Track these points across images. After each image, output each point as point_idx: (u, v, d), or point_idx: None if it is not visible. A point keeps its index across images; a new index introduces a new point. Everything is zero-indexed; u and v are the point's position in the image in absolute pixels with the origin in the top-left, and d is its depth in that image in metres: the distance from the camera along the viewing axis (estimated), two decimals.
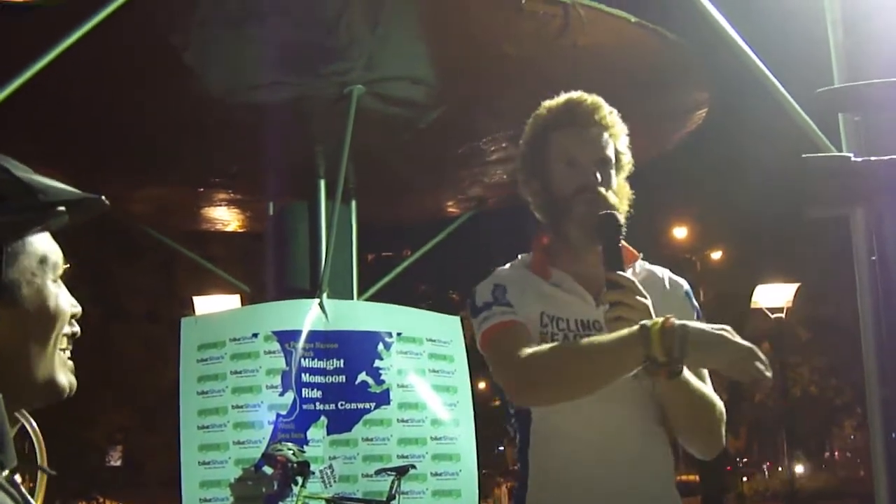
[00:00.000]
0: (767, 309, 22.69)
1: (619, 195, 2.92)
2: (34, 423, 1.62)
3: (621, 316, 2.65)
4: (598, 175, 2.88)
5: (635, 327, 2.56)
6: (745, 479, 35.88)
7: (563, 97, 3.00)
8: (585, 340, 2.71)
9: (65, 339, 1.56)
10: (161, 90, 8.51)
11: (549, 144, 2.95)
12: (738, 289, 25.65)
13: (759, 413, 33.84)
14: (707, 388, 2.88)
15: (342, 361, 8.97)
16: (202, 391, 8.88)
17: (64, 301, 1.55)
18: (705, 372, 2.94)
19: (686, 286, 3.07)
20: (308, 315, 9.05)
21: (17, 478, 1.44)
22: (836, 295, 22.75)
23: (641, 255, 3.01)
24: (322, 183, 10.55)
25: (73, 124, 9.07)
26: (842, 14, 5.25)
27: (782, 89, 6.46)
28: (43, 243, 1.53)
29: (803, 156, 2.52)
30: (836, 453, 39.54)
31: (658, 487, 2.89)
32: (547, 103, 3.02)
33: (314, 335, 8.97)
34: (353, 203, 11.11)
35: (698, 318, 2.99)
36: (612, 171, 2.92)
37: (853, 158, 2.40)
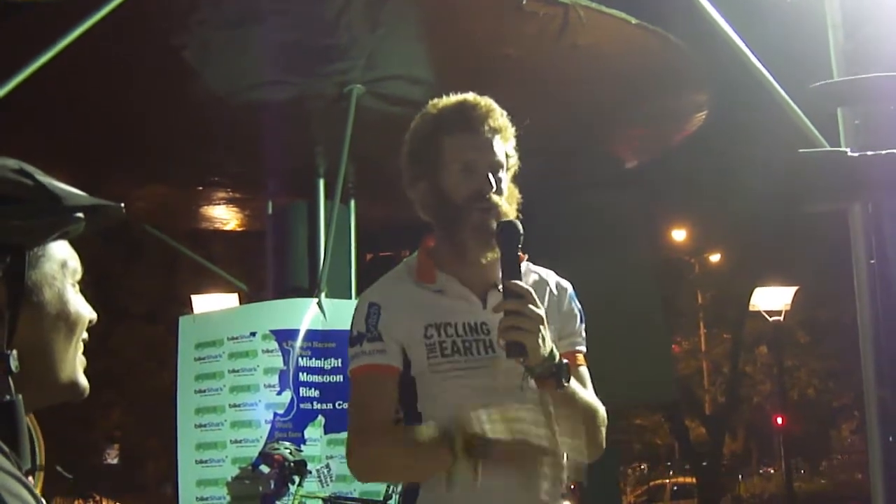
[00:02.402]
0: (766, 312, 22.65)
1: (509, 199, 2.89)
2: (34, 422, 1.63)
3: (516, 325, 2.64)
4: (493, 181, 2.85)
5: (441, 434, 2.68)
6: (741, 481, 35.87)
7: (454, 98, 2.95)
8: (411, 435, 2.79)
9: (82, 344, 1.59)
10: (161, 89, 8.52)
11: (442, 147, 2.89)
12: (737, 291, 25.63)
13: (756, 416, 33.85)
14: (589, 393, 2.90)
15: (340, 361, 8.97)
16: (200, 390, 8.89)
17: (83, 306, 1.58)
18: (587, 376, 2.95)
19: (570, 289, 3.03)
20: (306, 314, 9.05)
21: (31, 479, 1.46)
22: (835, 298, 22.76)
23: (527, 256, 2.95)
24: (321, 182, 10.56)
25: (73, 123, 9.07)
26: (842, 18, 5.26)
27: (781, 90, 6.46)
28: (63, 249, 1.56)
29: (800, 150, 2.53)
30: (834, 456, 39.52)
31: (549, 493, 2.87)
32: (438, 102, 2.97)
33: (312, 334, 8.98)
34: (352, 203, 11.11)
35: (581, 322, 3.01)
36: (504, 176, 2.90)
37: (850, 153, 2.41)
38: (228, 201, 12.04)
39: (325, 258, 9.63)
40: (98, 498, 31.39)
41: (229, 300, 16.58)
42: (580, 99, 9.13)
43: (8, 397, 1.43)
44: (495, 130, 2.90)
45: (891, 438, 5.12)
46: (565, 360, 2.73)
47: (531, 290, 2.71)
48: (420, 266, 2.98)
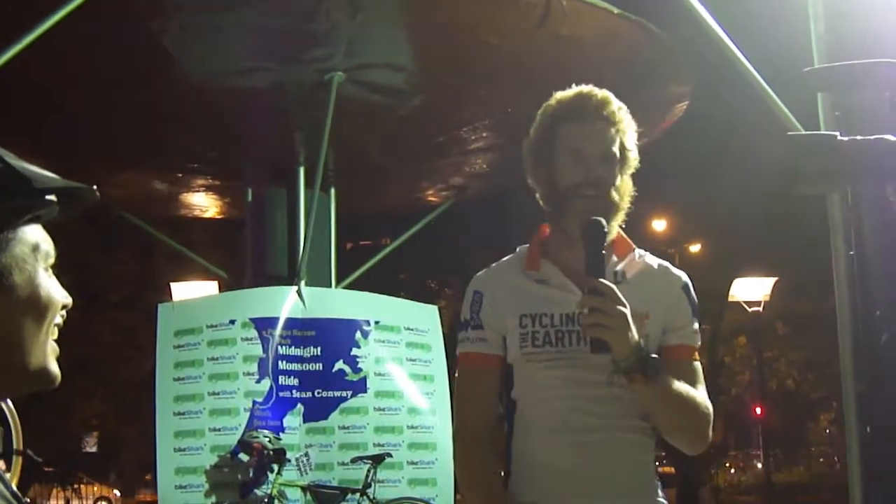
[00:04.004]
0: (745, 303, 22.78)
1: (621, 192, 2.97)
2: (12, 407, 1.60)
3: (598, 322, 2.69)
4: (601, 170, 2.92)
5: None
6: (720, 471, 36.02)
7: (573, 90, 3.06)
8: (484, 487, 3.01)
9: (55, 330, 1.56)
10: (140, 75, 8.47)
11: (557, 135, 2.99)
12: (717, 282, 25.67)
13: (735, 407, 33.96)
14: (692, 389, 2.92)
15: (319, 349, 8.96)
16: (179, 377, 8.85)
17: (56, 290, 1.55)
18: (697, 371, 2.99)
19: (685, 279, 3.08)
20: (286, 302, 9.03)
21: (1, 463, 1.45)
22: (815, 290, 22.84)
23: (635, 247, 3.06)
24: (301, 170, 10.52)
25: (51, 109, 9.01)
26: (823, 9, 5.26)
27: (762, 81, 6.46)
28: (35, 232, 1.53)
29: (788, 133, 2.53)
30: (812, 447, 39.74)
31: (636, 480, 2.95)
32: (558, 95, 3.09)
33: (292, 322, 8.96)
34: (333, 190, 11.09)
35: (694, 315, 3.04)
36: (616, 168, 2.97)
37: (839, 137, 2.40)
38: (207, 188, 12.00)
39: (305, 246, 9.60)
40: (76, 485, 31.31)
41: (208, 288, 16.57)
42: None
43: None
44: (609, 122, 3.00)
45: (868, 429, 5.13)
46: (654, 355, 2.77)
47: (614, 287, 2.74)
48: (529, 254, 3.08)
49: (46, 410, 21.32)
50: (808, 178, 2.50)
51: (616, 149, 2.97)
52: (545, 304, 2.95)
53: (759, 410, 26.98)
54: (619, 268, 2.95)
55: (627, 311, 2.71)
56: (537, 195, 3.09)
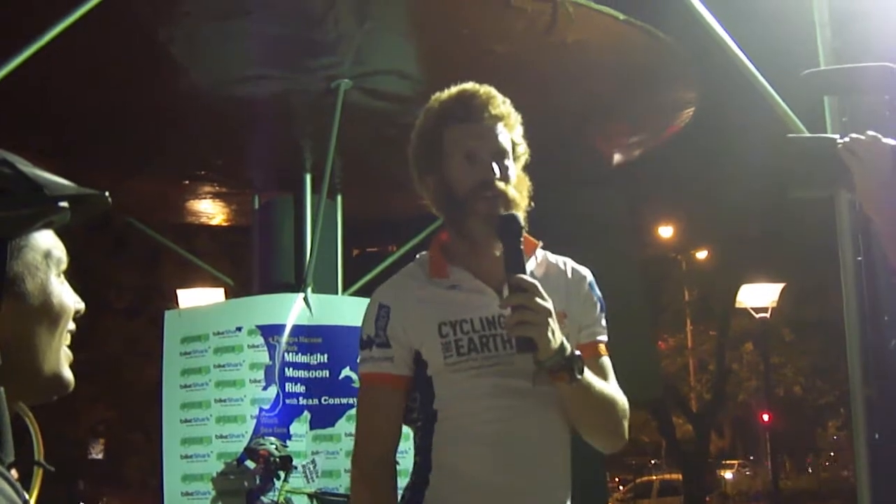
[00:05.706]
0: (752, 309, 22.67)
1: (519, 187, 2.85)
2: (32, 417, 1.62)
3: (523, 320, 2.59)
4: (497, 168, 2.82)
5: None
6: (728, 478, 35.96)
7: (455, 89, 2.93)
8: None
9: (68, 336, 1.56)
10: (148, 83, 8.48)
11: (444, 139, 2.87)
12: (723, 288, 25.64)
13: (742, 413, 33.91)
14: (609, 385, 2.85)
15: (326, 356, 8.96)
16: (185, 384, 8.87)
17: (68, 297, 1.55)
18: (608, 367, 2.92)
19: (589, 277, 2.98)
20: (292, 309, 9.04)
21: (14, 472, 1.44)
22: (821, 295, 22.80)
23: (541, 243, 2.95)
24: (308, 177, 10.53)
25: (57, 116, 9.03)
26: (829, 15, 5.27)
27: (769, 87, 6.46)
28: (47, 239, 1.53)
29: (787, 136, 2.53)
30: (820, 454, 39.70)
31: (562, 495, 2.87)
32: (439, 96, 2.95)
33: (298, 329, 8.96)
34: (339, 198, 11.09)
35: (601, 310, 2.96)
36: (510, 163, 2.86)
37: (839, 140, 2.40)
38: (214, 195, 12.01)
39: (312, 253, 9.60)
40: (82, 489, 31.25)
41: (215, 295, 16.54)
42: (568, 95, 9.12)
43: None
44: (497, 118, 2.87)
45: (876, 436, 5.13)
46: (578, 352, 2.68)
47: (536, 283, 2.64)
48: (432, 262, 2.95)
49: (53, 417, 21.32)
50: (805, 181, 2.51)
51: (507, 144, 2.86)
52: (462, 309, 2.83)
53: (766, 417, 26.94)
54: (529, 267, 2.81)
55: (551, 306, 2.62)
56: (428, 203, 2.97)
